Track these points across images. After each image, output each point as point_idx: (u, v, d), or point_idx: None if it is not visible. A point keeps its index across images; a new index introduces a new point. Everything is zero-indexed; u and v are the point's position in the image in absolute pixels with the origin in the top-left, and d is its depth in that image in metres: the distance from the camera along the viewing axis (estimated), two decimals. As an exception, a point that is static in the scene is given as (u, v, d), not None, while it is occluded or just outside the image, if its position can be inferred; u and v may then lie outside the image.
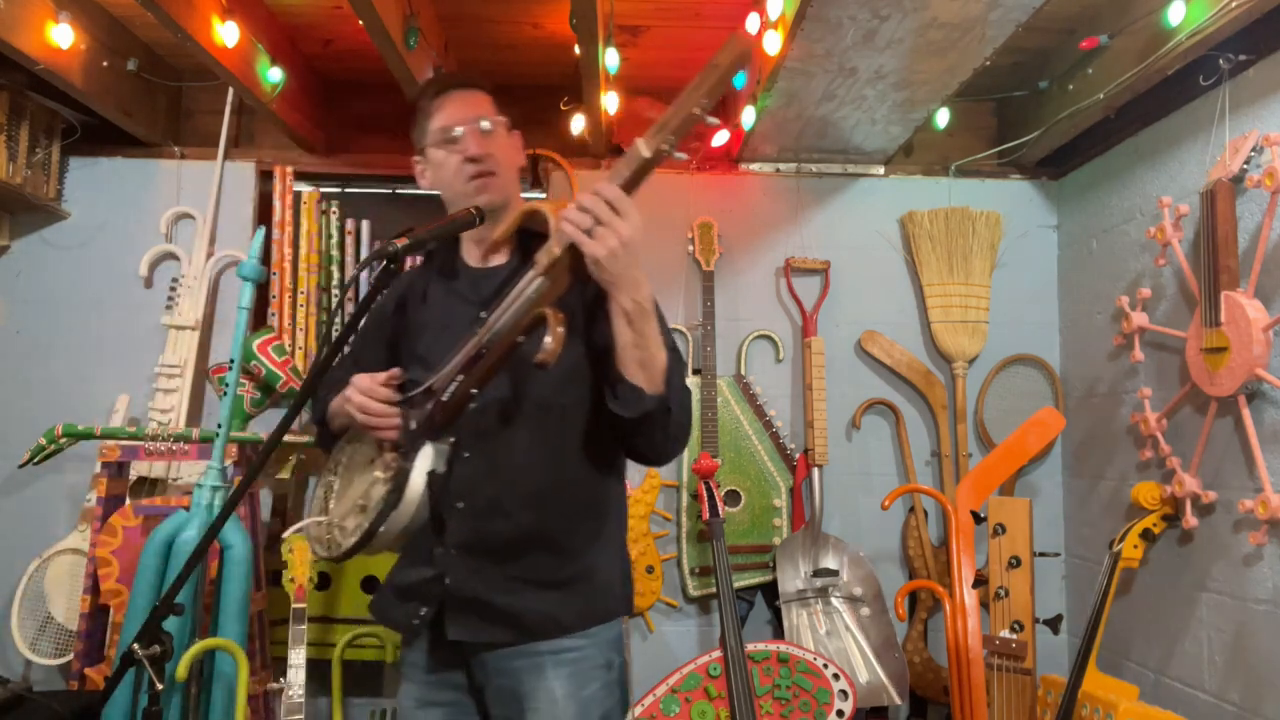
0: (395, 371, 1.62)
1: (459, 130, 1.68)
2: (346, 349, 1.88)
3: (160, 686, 1.52)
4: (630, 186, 1.44)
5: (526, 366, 1.51)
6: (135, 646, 1.50)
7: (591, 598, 1.68)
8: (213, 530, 1.54)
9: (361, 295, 3.25)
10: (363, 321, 1.83)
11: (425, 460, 1.54)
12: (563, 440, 1.65)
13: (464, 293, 1.73)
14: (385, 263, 1.47)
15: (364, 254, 3.32)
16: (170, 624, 1.63)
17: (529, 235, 1.62)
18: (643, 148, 1.41)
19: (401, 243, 1.48)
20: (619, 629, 1.72)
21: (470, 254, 1.77)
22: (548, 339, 1.42)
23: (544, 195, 3.40)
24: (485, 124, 1.70)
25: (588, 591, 1.67)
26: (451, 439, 1.59)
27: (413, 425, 1.55)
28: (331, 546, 1.58)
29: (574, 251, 1.45)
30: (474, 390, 1.54)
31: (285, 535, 1.62)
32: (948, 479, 3.32)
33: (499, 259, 1.74)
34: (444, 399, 1.54)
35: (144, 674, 1.52)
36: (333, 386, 1.77)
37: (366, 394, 1.58)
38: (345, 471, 1.66)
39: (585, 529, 1.68)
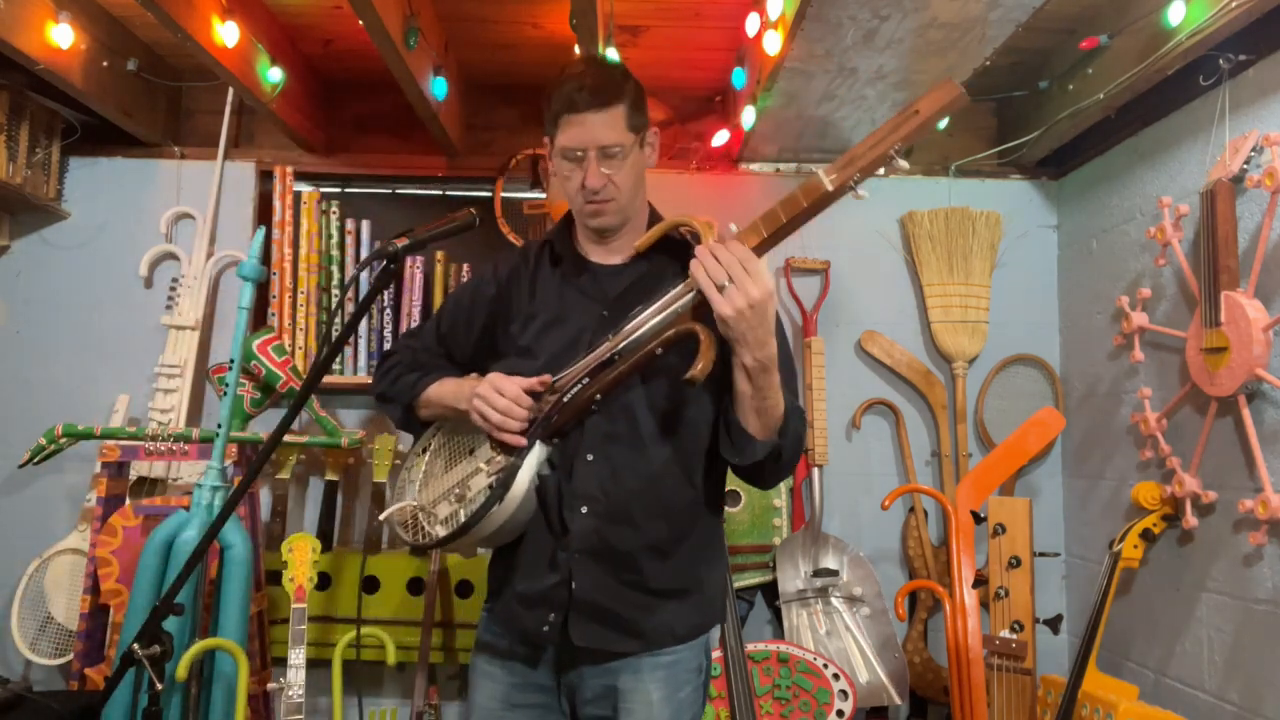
0: (546, 378, 1.56)
1: (580, 153, 1.61)
2: (429, 321, 1.81)
3: (160, 686, 1.53)
4: (805, 217, 1.44)
5: (659, 375, 1.51)
6: (135, 646, 1.50)
7: (702, 608, 1.70)
8: (213, 530, 1.54)
9: (361, 295, 3.25)
10: (460, 297, 1.78)
11: (534, 459, 1.52)
12: (688, 454, 1.63)
13: (586, 288, 1.68)
14: (385, 263, 1.47)
15: (364, 254, 3.32)
16: (170, 624, 1.63)
17: (666, 239, 1.62)
18: (826, 181, 1.40)
19: (401, 242, 1.48)
20: (708, 641, 1.74)
21: (591, 249, 1.72)
22: (700, 359, 1.39)
23: (544, 195, 3.40)
24: (609, 155, 1.62)
25: (700, 602, 1.68)
26: (557, 440, 1.56)
27: (528, 420, 1.53)
28: (419, 534, 1.55)
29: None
30: (599, 395, 1.52)
31: (382, 516, 1.59)
32: (948, 479, 3.32)
33: (623, 257, 1.70)
34: (565, 399, 1.52)
35: (144, 674, 1.52)
36: (415, 362, 1.73)
37: (510, 404, 1.51)
38: (438, 455, 1.62)
39: (702, 541, 1.68)
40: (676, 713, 1.63)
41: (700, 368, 1.39)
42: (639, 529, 1.61)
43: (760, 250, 1.44)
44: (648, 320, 1.48)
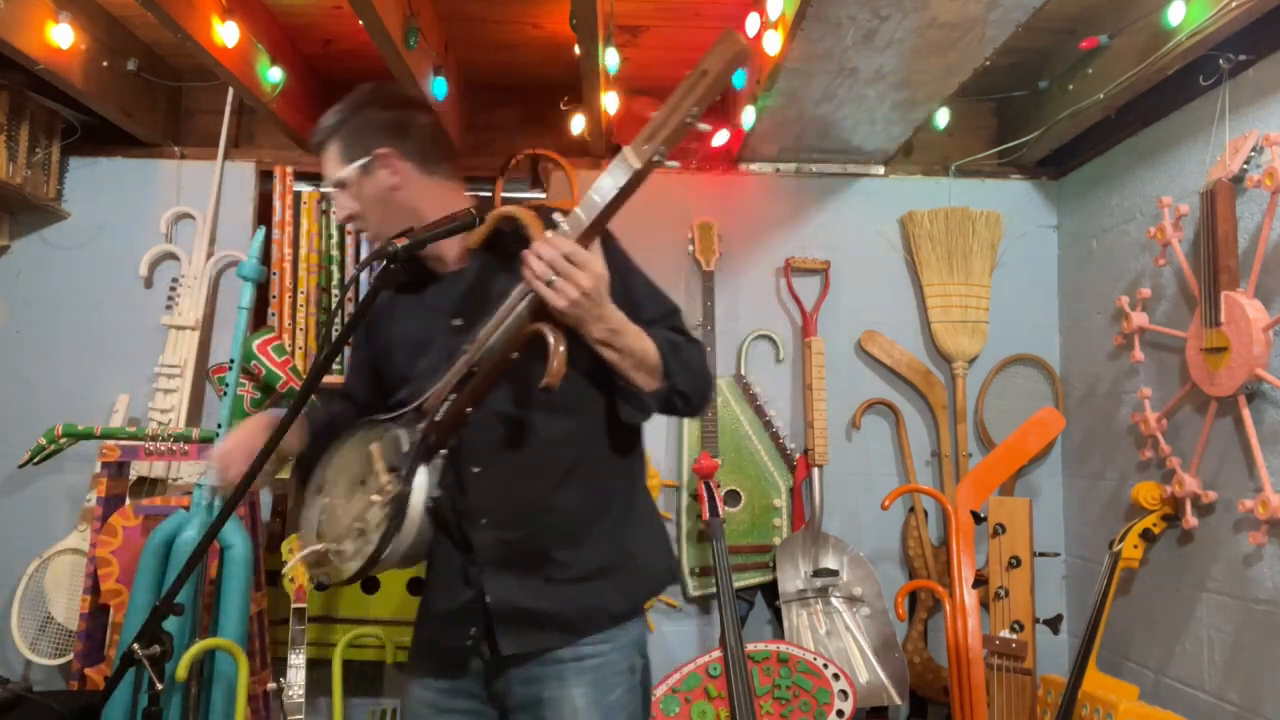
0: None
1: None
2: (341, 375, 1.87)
3: (160, 686, 1.52)
4: (620, 200, 1.41)
5: (524, 373, 1.50)
6: (135, 646, 1.49)
7: (636, 579, 1.68)
8: (212, 530, 1.54)
9: (361, 295, 3.25)
10: (349, 350, 1.83)
11: (422, 482, 1.52)
12: (574, 434, 1.62)
13: (433, 301, 1.69)
14: (385, 263, 1.47)
15: (364, 254, 3.32)
16: (170, 624, 1.63)
17: (498, 234, 1.58)
18: (632, 158, 1.38)
19: (401, 243, 1.48)
20: (642, 628, 1.71)
21: (431, 262, 1.71)
22: (551, 362, 1.39)
23: (544, 195, 3.40)
24: (342, 188, 1.68)
25: (631, 574, 1.67)
26: (443, 455, 1.56)
27: (405, 447, 1.52)
28: (331, 573, 1.55)
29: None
30: (469, 409, 1.52)
31: (285, 571, 1.59)
32: (948, 479, 3.32)
33: (462, 263, 1.69)
34: (437, 419, 1.51)
35: (144, 674, 1.52)
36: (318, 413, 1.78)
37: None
38: (333, 492, 1.61)
39: (615, 513, 1.66)
40: (606, 716, 1.61)
41: (554, 370, 1.40)
42: (543, 525, 1.61)
43: (588, 238, 1.43)
44: (496, 329, 1.48)
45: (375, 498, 1.52)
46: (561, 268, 1.39)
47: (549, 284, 1.40)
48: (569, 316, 1.43)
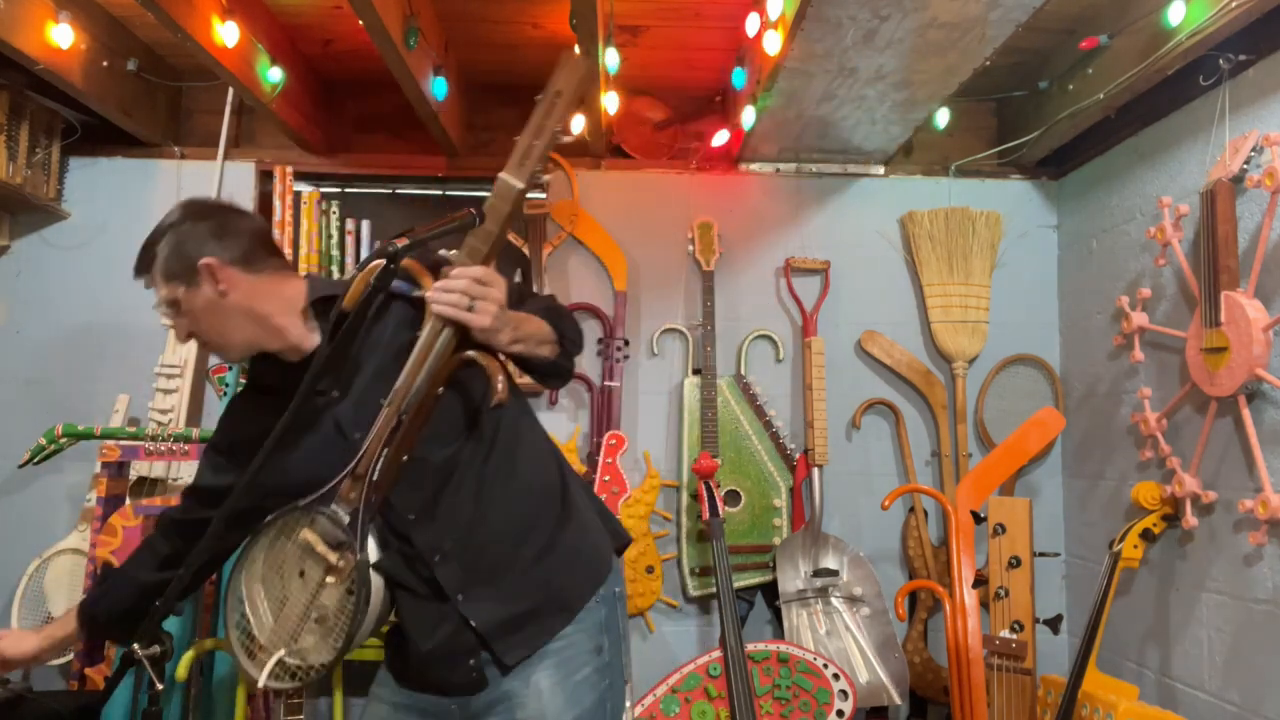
0: None
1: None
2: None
3: (160, 686, 1.52)
4: (510, 219, 1.53)
5: (440, 415, 1.57)
6: (135, 646, 1.50)
7: (590, 555, 1.72)
8: (212, 530, 1.54)
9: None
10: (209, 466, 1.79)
11: (373, 546, 1.55)
12: (492, 444, 1.66)
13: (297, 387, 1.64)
14: (385, 263, 1.47)
15: (364, 254, 3.32)
16: (170, 624, 1.64)
17: (325, 305, 1.61)
18: (513, 181, 1.51)
19: (401, 243, 1.48)
20: (608, 609, 1.72)
21: (286, 354, 1.68)
22: (494, 380, 1.49)
23: (544, 195, 3.40)
24: (174, 311, 1.63)
25: (585, 552, 1.71)
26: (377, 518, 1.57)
27: (345, 519, 1.52)
28: (298, 674, 1.53)
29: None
30: (405, 456, 1.56)
31: (261, 683, 1.56)
32: (948, 479, 3.32)
33: (311, 343, 1.67)
34: (375, 478, 1.53)
35: (144, 674, 1.52)
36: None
37: None
38: (260, 605, 1.58)
39: (554, 501, 1.71)
40: (573, 697, 1.62)
41: (501, 387, 1.50)
42: (491, 536, 1.63)
43: (488, 260, 1.54)
44: (416, 373, 1.52)
45: (330, 579, 1.52)
46: (476, 291, 1.48)
47: (469, 309, 1.47)
48: (491, 332, 1.50)
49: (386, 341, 1.62)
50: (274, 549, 1.59)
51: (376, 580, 1.54)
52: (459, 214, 1.60)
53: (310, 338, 1.66)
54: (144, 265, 1.64)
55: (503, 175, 1.52)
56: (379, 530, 1.58)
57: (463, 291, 1.48)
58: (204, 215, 1.65)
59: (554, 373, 1.74)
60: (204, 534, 1.65)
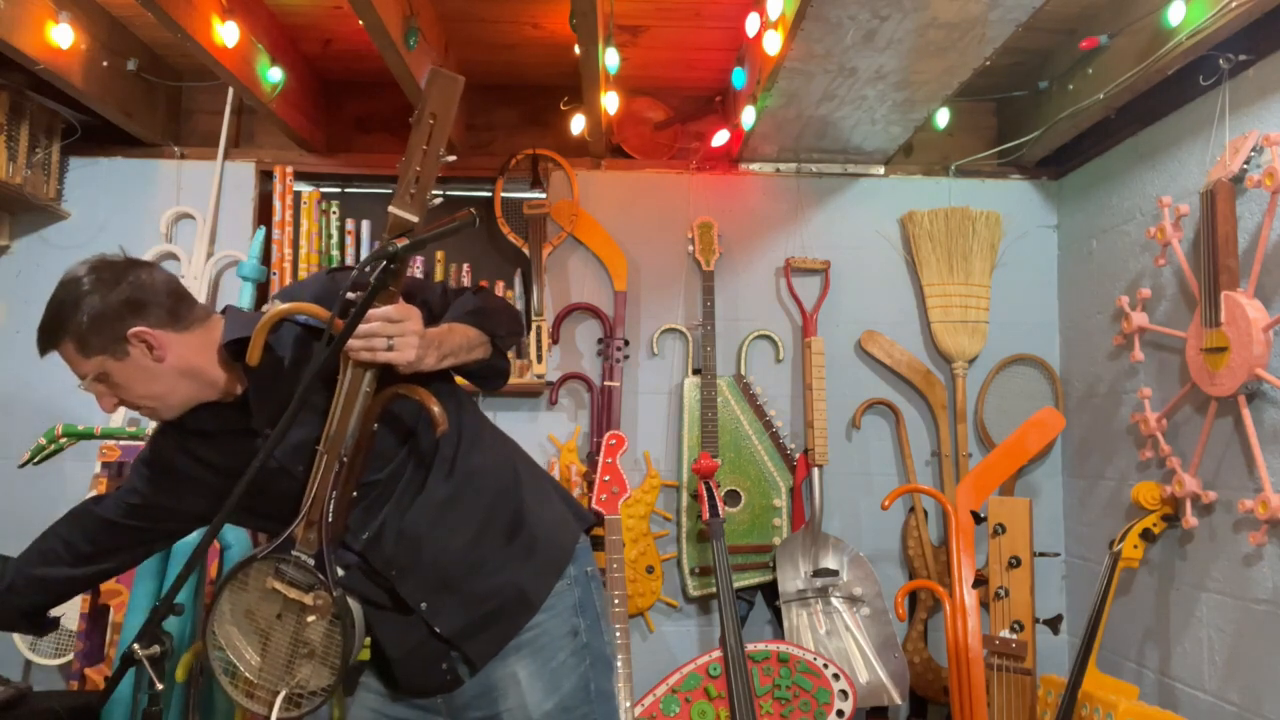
0: None
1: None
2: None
3: (160, 686, 1.52)
4: (412, 252, 1.48)
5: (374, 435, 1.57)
6: (135, 646, 1.50)
7: (547, 547, 1.72)
8: (212, 530, 1.54)
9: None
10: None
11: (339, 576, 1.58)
12: (432, 460, 1.66)
13: (231, 426, 1.64)
14: (386, 263, 1.47)
15: (364, 254, 3.32)
16: (170, 624, 1.63)
17: (238, 348, 1.57)
18: (407, 215, 1.47)
19: (402, 243, 1.48)
20: (581, 588, 1.74)
21: (212, 396, 1.65)
22: (431, 412, 1.50)
23: (544, 195, 3.40)
24: (98, 380, 1.58)
25: (542, 545, 1.71)
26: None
27: (310, 562, 1.54)
28: (303, 702, 1.56)
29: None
30: (354, 493, 1.58)
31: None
32: (948, 479, 3.32)
33: (240, 385, 1.65)
34: (330, 519, 1.54)
35: (144, 674, 1.52)
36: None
37: None
38: (245, 649, 1.60)
39: (505, 498, 1.71)
40: (551, 683, 1.65)
41: (439, 415, 1.50)
42: (446, 545, 1.64)
43: (395, 297, 1.50)
44: (349, 418, 1.53)
45: (310, 618, 1.55)
46: (389, 330, 1.46)
47: (389, 349, 1.46)
48: (418, 363, 1.50)
49: (304, 372, 1.56)
50: (239, 598, 1.59)
51: (356, 606, 1.58)
52: (459, 214, 1.59)
53: (232, 381, 1.62)
54: (52, 342, 1.57)
55: (392, 208, 1.48)
56: (338, 550, 1.60)
57: (377, 334, 1.46)
58: (115, 281, 1.55)
59: (490, 373, 1.74)
60: (122, 540, 1.72)
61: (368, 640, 1.69)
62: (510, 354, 1.81)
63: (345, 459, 1.54)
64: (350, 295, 1.48)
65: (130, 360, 1.55)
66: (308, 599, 1.54)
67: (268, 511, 1.61)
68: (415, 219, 1.48)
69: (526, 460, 1.81)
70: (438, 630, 1.63)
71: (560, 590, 1.70)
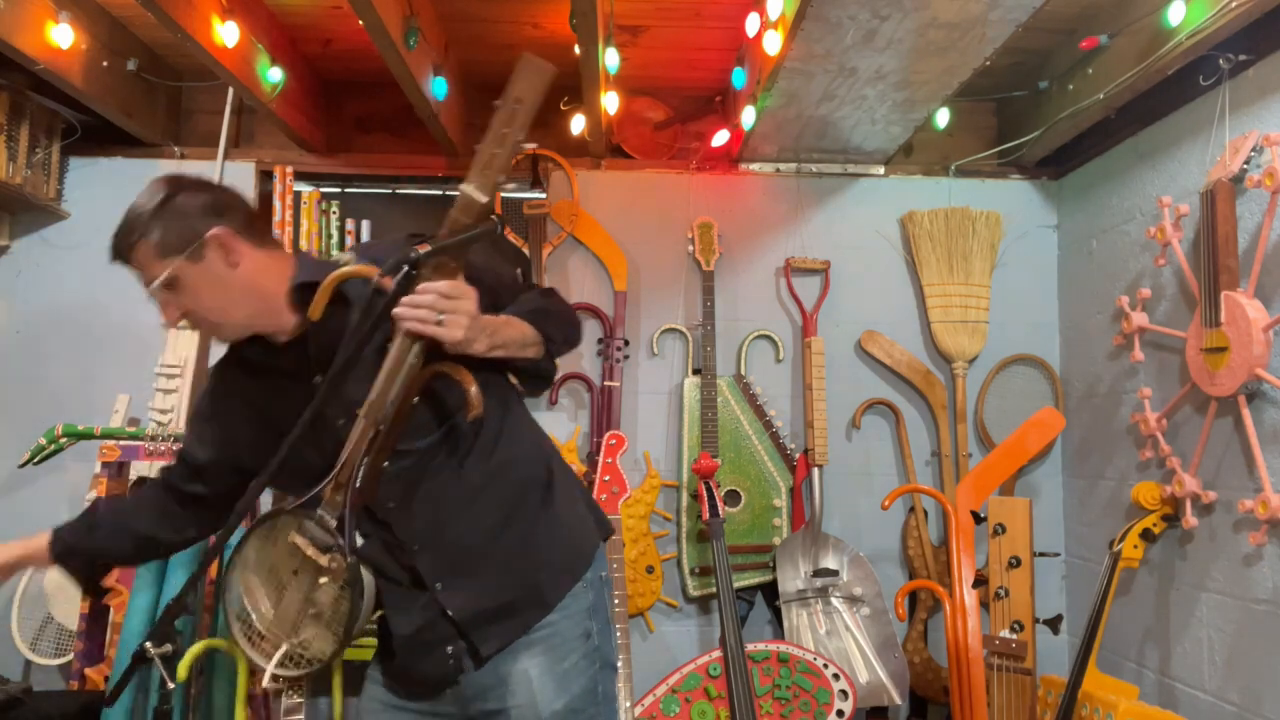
0: None
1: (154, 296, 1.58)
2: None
3: (172, 685, 1.52)
4: (474, 231, 1.50)
5: (420, 406, 1.57)
6: (148, 645, 1.50)
7: (571, 540, 1.72)
8: (225, 532, 1.54)
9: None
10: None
11: (357, 544, 1.58)
12: (471, 441, 1.66)
13: (286, 367, 1.65)
14: (407, 269, 1.47)
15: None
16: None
17: (306, 292, 1.57)
18: (477, 193, 1.49)
19: (423, 249, 1.47)
20: (595, 594, 1.73)
21: (270, 333, 1.66)
22: (467, 393, 1.50)
23: (544, 195, 3.40)
24: (167, 287, 1.55)
25: (562, 546, 1.71)
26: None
27: (333, 523, 1.54)
28: (302, 663, 1.57)
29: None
30: (385, 464, 1.57)
31: (269, 673, 1.60)
32: (948, 479, 3.32)
33: (299, 329, 1.65)
34: (358, 485, 1.54)
35: (144, 674, 1.52)
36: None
37: None
38: (259, 605, 1.61)
39: (535, 494, 1.71)
40: (561, 683, 1.64)
41: (475, 399, 1.49)
42: (469, 529, 1.64)
43: (455, 272, 1.51)
44: (390, 386, 1.52)
45: (323, 580, 1.55)
46: (444, 305, 1.46)
47: (438, 323, 1.46)
48: (464, 344, 1.50)
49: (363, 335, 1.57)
50: (265, 549, 1.61)
51: (368, 577, 1.57)
52: (484, 222, 1.57)
53: (296, 325, 1.63)
54: (128, 245, 1.54)
55: (464, 186, 1.49)
56: (361, 519, 1.59)
57: (429, 306, 1.46)
58: (198, 189, 1.57)
59: (535, 374, 1.73)
60: (190, 505, 1.73)
61: (376, 614, 1.69)
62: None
63: (381, 427, 1.53)
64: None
65: (205, 264, 1.54)
66: (324, 560, 1.54)
67: (303, 468, 1.58)
68: (485, 199, 1.49)
69: (560, 462, 1.81)
70: (449, 613, 1.62)
71: (576, 593, 1.70)
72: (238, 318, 1.59)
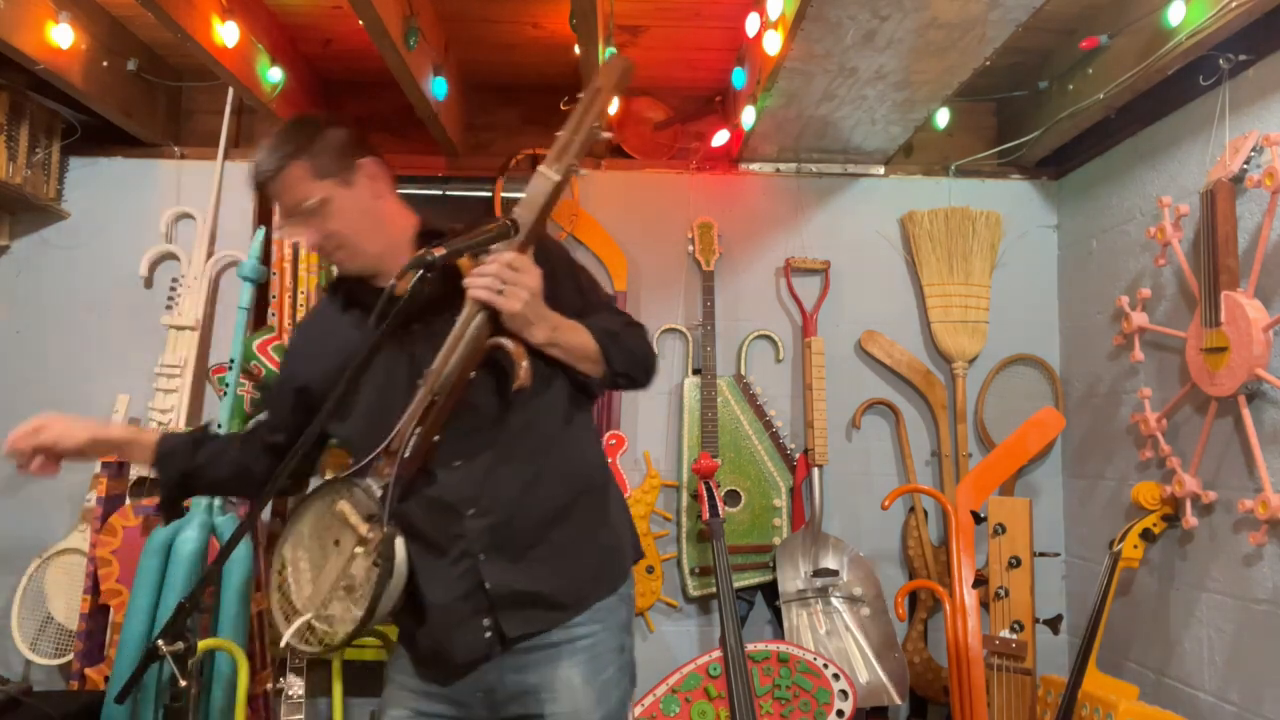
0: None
1: (290, 219, 1.66)
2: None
3: (184, 683, 1.51)
4: (546, 211, 1.57)
5: (483, 373, 1.58)
6: (160, 642, 1.49)
7: (612, 550, 1.73)
8: (237, 534, 1.54)
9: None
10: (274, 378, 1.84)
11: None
12: (544, 421, 1.67)
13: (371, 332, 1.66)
14: (422, 272, 1.47)
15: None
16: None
17: (427, 241, 1.61)
18: (552, 173, 1.56)
19: (439, 252, 1.48)
20: (628, 610, 1.74)
21: (379, 280, 1.70)
22: (518, 365, 1.52)
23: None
24: (311, 212, 1.63)
25: (609, 545, 1.72)
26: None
27: (378, 492, 1.54)
28: (324, 639, 1.54)
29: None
30: (436, 437, 1.57)
31: (284, 641, 1.58)
32: (948, 479, 3.32)
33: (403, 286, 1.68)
34: (407, 455, 1.54)
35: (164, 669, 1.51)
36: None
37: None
38: (300, 564, 1.61)
39: (594, 491, 1.72)
40: (602, 694, 1.63)
41: (525, 370, 1.52)
42: (528, 508, 1.64)
43: (523, 250, 1.57)
44: (452, 354, 1.55)
45: (358, 550, 1.53)
46: (508, 276, 1.52)
47: (500, 293, 1.51)
48: (519, 319, 1.53)
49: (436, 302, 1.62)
50: (318, 518, 1.60)
51: (400, 554, 1.54)
52: (498, 224, 1.59)
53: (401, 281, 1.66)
54: (279, 167, 1.61)
55: (541, 168, 1.55)
56: (417, 477, 1.59)
57: (494, 275, 1.51)
58: (342, 124, 1.66)
59: (583, 389, 1.72)
60: (271, 455, 1.75)
61: (379, 633, 1.68)
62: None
63: (438, 398, 1.54)
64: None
65: (355, 191, 1.63)
66: (364, 528, 1.53)
67: (367, 429, 1.60)
68: (556, 178, 1.56)
69: (614, 479, 1.83)
70: (486, 586, 1.61)
71: (613, 606, 1.70)
72: (372, 248, 1.66)
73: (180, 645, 1.51)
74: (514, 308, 1.51)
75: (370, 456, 1.56)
